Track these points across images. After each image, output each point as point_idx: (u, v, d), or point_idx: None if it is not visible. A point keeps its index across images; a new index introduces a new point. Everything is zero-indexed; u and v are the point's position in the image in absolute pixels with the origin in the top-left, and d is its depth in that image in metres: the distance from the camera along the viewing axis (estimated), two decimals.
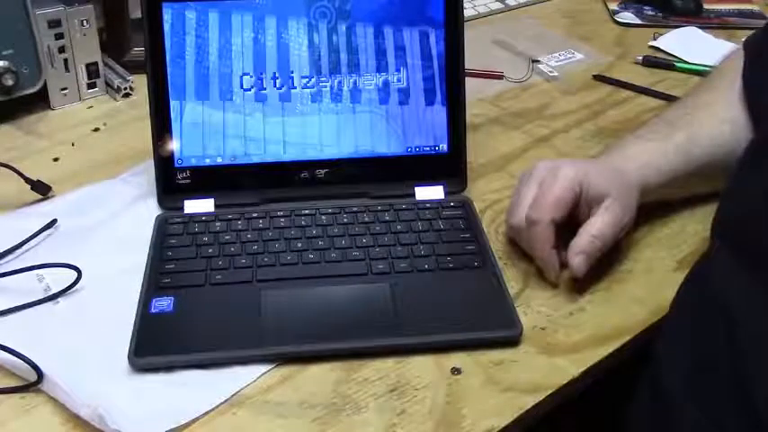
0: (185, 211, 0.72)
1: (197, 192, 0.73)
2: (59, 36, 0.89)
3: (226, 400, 0.56)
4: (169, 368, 0.57)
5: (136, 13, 0.98)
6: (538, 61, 1.01)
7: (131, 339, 0.58)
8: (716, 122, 0.72)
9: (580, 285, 0.66)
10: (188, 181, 0.73)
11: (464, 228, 0.70)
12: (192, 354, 0.58)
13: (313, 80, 0.73)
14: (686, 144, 0.70)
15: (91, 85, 0.93)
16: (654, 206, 0.72)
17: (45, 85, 0.89)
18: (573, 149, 0.85)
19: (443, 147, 0.75)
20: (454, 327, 0.60)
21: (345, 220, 0.70)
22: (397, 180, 0.74)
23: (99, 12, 0.94)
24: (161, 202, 0.73)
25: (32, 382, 0.56)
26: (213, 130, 0.73)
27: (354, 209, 0.71)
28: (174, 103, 0.72)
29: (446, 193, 0.74)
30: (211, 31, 0.72)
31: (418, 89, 0.74)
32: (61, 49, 0.89)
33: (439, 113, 0.75)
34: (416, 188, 0.74)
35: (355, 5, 0.73)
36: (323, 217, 0.71)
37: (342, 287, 0.64)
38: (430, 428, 0.54)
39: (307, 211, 0.71)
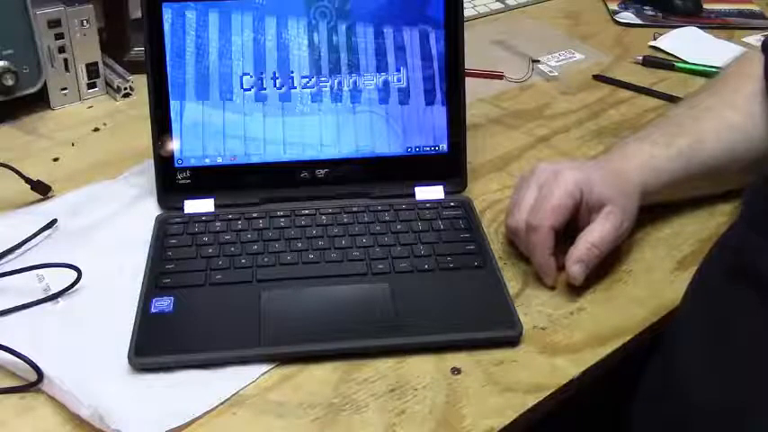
0: (185, 211, 0.72)
1: (197, 192, 0.73)
2: (59, 36, 0.89)
3: (226, 400, 0.56)
4: (169, 368, 0.57)
5: (136, 13, 0.98)
6: (538, 61, 1.01)
7: (131, 339, 0.58)
8: (723, 126, 0.71)
9: (580, 285, 0.66)
10: (188, 181, 0.73)
11: (464, 228, 0.70)
12: (192, 353, 0.58)
13: (313, 80, 0.73)
14: (690, 149, 0.70)
15: (91, 85, 0.93)
16: (654, 206, 0.72)
17: (45, 85, 0.89)
18: (573, 149, 0.85)
19: (443, 147, 0.75)
20: (454, 327, 0.60)
21: (345, 220, 0.70)
22: (397, 180, 0.74)
23: (99, 12, 0.94)
24: (161, 202, 0.73)
25: (32, 382, 0.56)
26: (213, 130, 0.73)
27: (354, 209, 0.71)
28: (173, 103, 0.72)
29: (446, 193, 0.74)
30: (211, 31, 0.72)
31: (418, 89, 0.74)
32: (61, 49, 0.89)
33: (439, 113, 0.75)
34: (416, 188, 0.74)
35: (355, 5, 0.73)
36: (323, 217, 0.70)
37: (342, 287, 0.64)
38: (430, 428, 0.54)
39: (307, 211, 0.71)
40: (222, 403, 0.56)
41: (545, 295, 0.65)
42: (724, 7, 1.18)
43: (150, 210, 0.73)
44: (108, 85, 0.94)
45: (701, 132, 0.71)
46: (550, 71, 0.99)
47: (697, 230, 0.73)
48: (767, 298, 0.53)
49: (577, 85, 0.97)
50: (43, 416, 0.55)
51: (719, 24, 1.14)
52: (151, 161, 0.73)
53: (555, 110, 0.92)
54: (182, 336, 0.60)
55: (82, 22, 0.90)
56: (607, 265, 0.68)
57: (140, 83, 0.94)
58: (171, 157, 0.73)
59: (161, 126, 0.72)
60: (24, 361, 0.56)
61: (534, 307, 0.64)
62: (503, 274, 0.65)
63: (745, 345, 0.54)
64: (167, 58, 0.72)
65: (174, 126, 0.72)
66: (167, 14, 0.71)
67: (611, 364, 0.61)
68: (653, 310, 0.64)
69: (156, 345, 0.58)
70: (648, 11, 1.17)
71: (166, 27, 0.71)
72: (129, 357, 0.57)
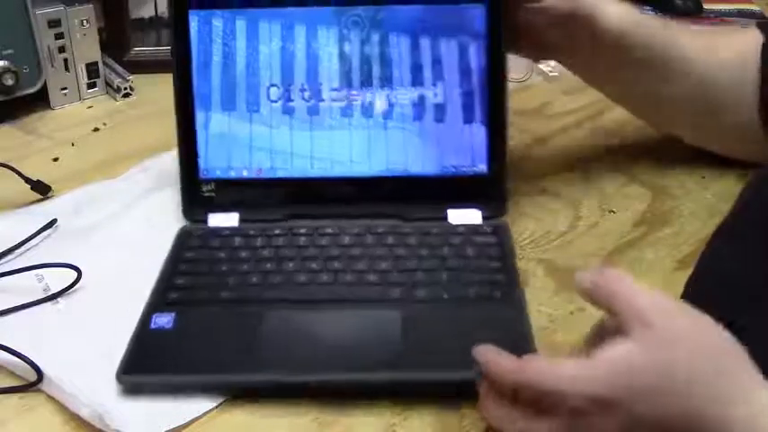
0: (209, 224, 0.69)
1: (222, 205, 0.70)
2: (59, 36, 0.89)
3: (226, 399, 0.56)
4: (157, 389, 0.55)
5: (136, 12, 0.98)
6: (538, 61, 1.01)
7: (123, 356, 0.56)
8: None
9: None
10: (213, 194, 0.70)
11: (495, 256, 0.65)
12: (183, 375, 0.56)
13: (343, 93, 0.70)
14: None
15: (91, 85, 0.93)
16: (653, 205, 0.72)
17: (45, 84, 0.90)
18: (573, 149, 0.85)
19: (482, 168, 0.70)
20: (463, 365, 0.52)
21: (369, 241, 0.66)
22: (430, 201, 0.70)
23: (99, 12, 0.95)
24: (186, 214, 0.71)
25: (32, 382, 0.56)
26: (239, 142, 0.70)
27: (380, 230, 0.67)
28: (199, 114, 0.70)
29: (483, 218, 0.69)
30: (239, 39, 0.70)
31: (456, 105, 0.70)
32: (61, 49, 0.89)
33: (478, 132, 0.70)
34: (450, 210, 0.69)
35: (390, 14, 0.69)
36: (346, 237, 0.67)
37: (350, 313, 0.60)
38: (430, 428, 0.54)
39: (330, 230, 0.67)
40: (222, 402, 0.55)
41: (545, 295, 0.65)
42: (724, 7, 1.18)
43: (150, 209, 0.73)
44: (108, 84, 0.95)
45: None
46: (551, 71, 0.99)
47: (697, 230, 0.73)
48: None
49: (578, 84, 0.97)
50: (43, 416, 0.55)
51: (719, 24, 1.13)
52: (151, 161, 0.74)
53: (555, 110, 0.92)
54: (176, 355, 0.57)
55: (82, 22, 0.90)
56: (607, 265, 0.68)
57: (140, 83, 0.94)
58: (196, 168, 0.71)
59: (186, 136, 0.70)
60: (24, 361, 0.56)
61: (534, 307, 0.64)
62: (529, 310, 0.61)
63: (746, 335, 0.53)
64: (193, 68, 0.69)
65: (200, 137, 0.70)
66: (194, 22, 0.69)
67: None
68: None
69: (147, 364, 0.56)
70: (648, 11, 1.17)
71: (193, 35, 0.69)
72: (117, 375, 0.55)
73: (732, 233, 0.59)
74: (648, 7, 1.17)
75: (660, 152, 0.83)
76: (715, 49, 0.74)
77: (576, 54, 0.74)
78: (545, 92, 0.96)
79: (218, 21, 0.70)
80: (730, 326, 0.55)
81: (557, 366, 0.46)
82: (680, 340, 0.46)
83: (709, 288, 0.59)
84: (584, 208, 0.76)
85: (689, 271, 0.64)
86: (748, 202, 0.59)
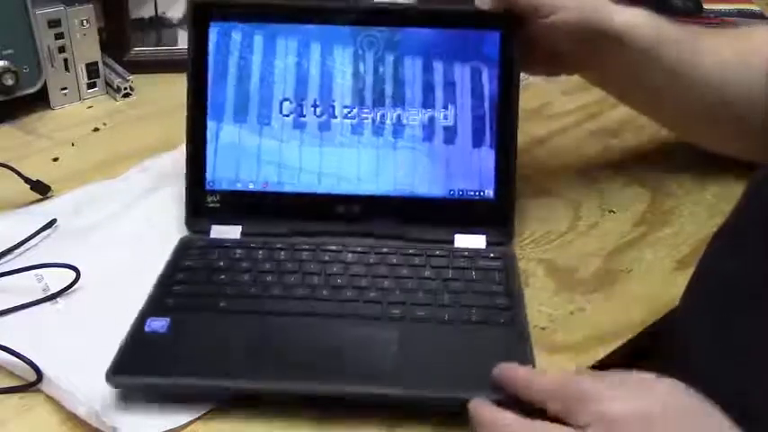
0: (212, 236, 0.69)
1: (226, 217, 0.70)
2: (59, 36, 0.89)
3: (224, 403, 0.55)
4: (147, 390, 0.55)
5: (136, 12, 0.98)
6: None
7: (115, 356, 0.55)
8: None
9: (580, 285, 0.66)
10: (217, 205, 0.70)
11: (498, 281, 0.64)
12: (175, 378, 0.55)
13: (354, 111, 0.70)
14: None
15: (91, 85, 0.93)
16: (653, 205, 0.72)
17: (45, 84, 0.90)
18: (573, 149, 0.85)
19: (489, 193, 0.70)
20: (456, 384, 0.54)
21: (371, 260, 0.65)
22: (436, 224, 0.69)
23: (99, 12, 0.94)
24: (189, 225, 0.70)
25: (32, 382, 0.56)
26: (248, 155, 0.70)
27: (384, 250, 0.67)
28: (210, 124, 0.70)
29: (488, 244, 0.68)
30: (255, 53, 0.70)
31: (466, 129, 0.70)
32: (61, 49, 0.89)
33: (487, 157, 0.70)
34: (456, 235, 0.68)
35: (405, 37, 0.70)
36: (349, 255, 0.66)
37: (348, 329, 0.59)
38: (431, 427, 0.54)
39: (333, 248, 0.67)
40: (220, 406, 0.55)
41: (545, 295, 0.65)
42: (724, 7, 1.18)
43: (150, 209, 0.73)
44: (108, 84, 0.95)
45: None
46: None
47: (697, 230, 0.73)
48: None
49: (578, 85, 0.97)
50: (42, 415, 0.55)
51: (719, 24, 1.13)
52: (151, 161, 0.74)
53: (555, 110, 0.92)
54: (168, 359, 0.56)
55: (82, 22, 0.90)
56: (607, 264, 0.68)
57: (140, 83, 0.95)
58: (202, 178, 0.70)
59: (196, 146, 0.70)
60: (24, 361, 0.56)
61: (534, 307, 0.64)
62: (531, 335, 0.60)
63: (747, 334, 0.53)
64: (209, 79, 0.70)
65: (210, 147, 0.70)
66: (213, 34, 0.69)
67: (611, 364, 0.61)
68: (653, 309, 0.64)
69: (138, 365, 0.55)
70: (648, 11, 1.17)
71: (211, 46, 0.70)
72: (106, 374, 0.54)
73: (733, 233, 0.59)
74: (648, 7, 1.17)
75: (660, 152, 0.83)
76: (719, 49, 0.74)
77: (590, 65, 0.74)
78: (544, 92, 0.96)
79: (236, 34, 0.70)
80: (731, 326, 0.55)
81: (594, 373, 0.51)
82: (664, 405, 0.47)
83: (709, 288, 0.59)
84: (584, 208, 0.76)
85: (689, 271, 0.64)
86: (749, 202, 0.59)
